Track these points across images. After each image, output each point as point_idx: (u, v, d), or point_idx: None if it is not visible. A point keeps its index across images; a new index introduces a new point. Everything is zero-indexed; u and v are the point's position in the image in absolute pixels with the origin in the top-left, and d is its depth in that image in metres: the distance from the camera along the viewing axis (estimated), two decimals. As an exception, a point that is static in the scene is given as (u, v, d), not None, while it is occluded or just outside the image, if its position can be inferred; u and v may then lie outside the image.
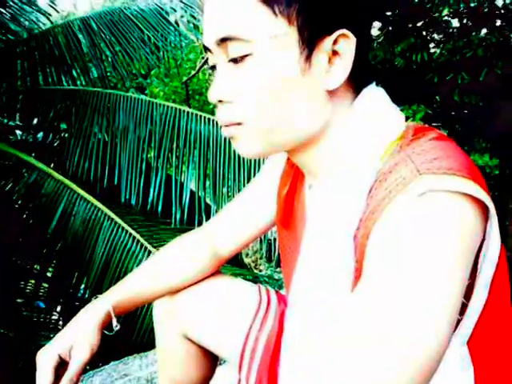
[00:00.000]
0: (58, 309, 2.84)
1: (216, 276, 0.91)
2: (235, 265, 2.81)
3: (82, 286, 2.66)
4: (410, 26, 3.20)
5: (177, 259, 0.89)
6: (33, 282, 2.75)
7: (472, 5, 3.08)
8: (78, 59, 3.25)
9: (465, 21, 3.27)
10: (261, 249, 2.95)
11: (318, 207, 0.62)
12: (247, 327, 0.83)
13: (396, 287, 0.44)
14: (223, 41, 0.54)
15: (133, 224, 2.56)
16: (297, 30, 0.53)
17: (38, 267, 2.78)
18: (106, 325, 0.80)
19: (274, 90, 0.54)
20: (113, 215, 2.54)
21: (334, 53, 0.54)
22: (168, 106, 2.96)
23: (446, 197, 0.46)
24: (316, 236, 0.62)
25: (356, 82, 0.58)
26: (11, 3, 3.29)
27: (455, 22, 3.37)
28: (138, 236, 2.50)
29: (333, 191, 0.58)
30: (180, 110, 2.94)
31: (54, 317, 2.80)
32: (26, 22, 3.41)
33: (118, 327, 0.80)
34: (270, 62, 0.54)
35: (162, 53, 3.37)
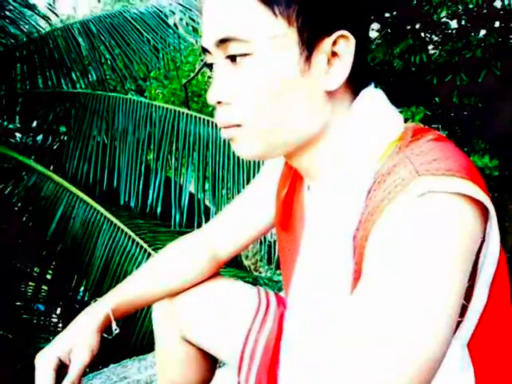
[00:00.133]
0: (58, 311, 2.84)
1: (215, 278, 0.91)
2: (235, 267, 2.81)
3: (82, 288, 2.65)
4: (409, 27, 3.21)
5: (176, 261, 0.88)
6: (32, 284, 2.75)
7: (471, 6, 3.08)
8: (78, 62, 3.25)
9: (463, 22, 3.27)
10: (260, 251, 2.95)
11: (316, 208, 0.62)
12: (246, 329, 0.82)
13: (395, 288, 0.43)
14: (222, 42, 0.54)
15: (132, 226, 2.56)
16: (296, 31, 0.53)
17: (38, 270, 2.77)
18: (106, 328, 0.80)
19: (273, 91, 0.54)
20: (112, 218, 2.54)
21: (334, 54, 0.55)
22: (167, 108, 2.96)
23: (446, 198, 0.46)
24: (315, 237, 0.62)
25: (355, 83, 0.58)
26: (11, 7, 3.30)
27: (454, 24, 3.37)
28: (137, 238, 2.50)
29: (332, 192, 0.58)
30: (179, 111, 2.95)
31: (53, 319, 2.80)
32: (26, 26, 3.41)
33: (118, 330, 0.80)
34: (270, 63, 0.54)
35: (161, 55, 3.38)
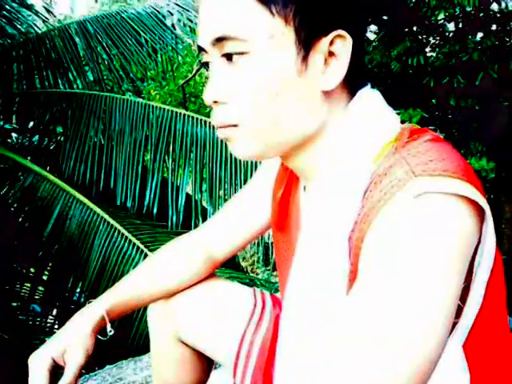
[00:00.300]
0: (54, 312, 2.83)
1: (211, 279, 0.90)
2: (232, 268, 2.81)
3: (78, 289, 2.64)
4: (406, 30, 3.22)
5: (171, 262, 0.88)
6: (28, 285, 2.73)
7: (468, 9, 3.09)
8: (75, 62, 3.24)
9: (460, 25, 3.29)
10: (257, 252, 2.95)
11: (312, 209, 0.62)
12: (242, 330, 0.82)
13: (392, 288, 0.43)
14: (219, 40, 0.54)
15: (129, 227, 2.55)
16: (293, 30, 0.53)
17: (34, 270, 2.76)
18: (100, 329, 0.79)
19: (269, 90, 0.54)
20: (109, 218, 2.53)
21: (331, 54, 0.54)
22: (164, 109, 2.95)
23: (442, 199, 0.46)
24: (311, 238, 0.62)
25: (351, 84, 0.58)
26: (8, 7, 3.29)
27: (451, 26, 3.39)
28: (134, 239, 2.49)
29: (328, 193, 0.58)
30: (176, 112, 2.94)
31: (49, 320, 2.79)
32: (23, 26, 3.40)
33: (113, 332, 0.79)
34: (267, 62, 0.53)
35: (158, 56, 3.37)
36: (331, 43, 0.54)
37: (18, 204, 2.79)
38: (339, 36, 0.54)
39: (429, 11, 3.05)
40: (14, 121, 3.40)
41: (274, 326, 0.82)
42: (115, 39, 3.22)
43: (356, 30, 0.55)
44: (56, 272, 2.70)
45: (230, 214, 0.88)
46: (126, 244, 2.49)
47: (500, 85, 3.00)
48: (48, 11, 3.61)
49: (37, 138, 3.27)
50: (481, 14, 3.21)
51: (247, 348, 0.80)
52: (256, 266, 5.93)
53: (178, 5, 3.38)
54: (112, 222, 2.53)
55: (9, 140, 3.35)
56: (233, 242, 0.88)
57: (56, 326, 2.71)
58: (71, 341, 0.76)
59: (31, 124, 3.33)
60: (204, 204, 2.92)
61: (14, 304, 2.71)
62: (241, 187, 2.69)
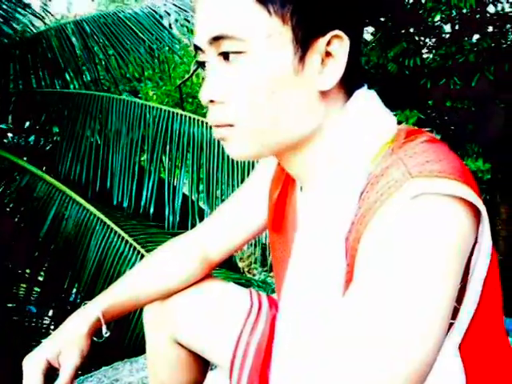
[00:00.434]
0: (50, 313, 2.82)
1: (207, 280, 0.90)
2: (229, 268, 2.80)
3: (74, 290, 2.64)
4: (403, 31, 3.23)
5: (167, 263, 0.88)
6: (24, 286, 2.72)
7: (464, 11, 3.10)
8: (71, 62, 3.23)
9: (457, 26, 3.30)
10: (254, 253, 2.95)
11: (309, 210, 0.62)
12: (238, 331, 0.82)
13: (389, 289, 0.43)
14: (216, 39, 0.54)
15: (125, 228, 2.55)
16: (291, 30, 0.53)
17: (30, 271, 2.75)
18: (96, 331, 0.79)
19: (266, 90, 0.54)
20: (105, 219, 2.53)
21: (328, 54, 0.54)
22: (161, 109, 2.95)
23: (439, 200, 0.46)
24: (307, 239, 0.62)
25: (348, 84, 0.58)
26: (4, 6, 3.28)
27: (448, 28, 3.40)
28: (130, 240, 2.49)
29: (324, 194, 0.58)
30: (173, 112, 2.94)
31: (45, 321, 2.78)
32: (20, 25, 3.39)
33: (108, 334, 0.79)
34: (264, 62, 0.53)
35: (155, 56, 3.37)
36: (328, 43, 0.54)
37: (14, 204, 2.78)
38: (336, 36, 0.54)
39: (425, 13, 3.06)
40: (9, 121, 3.39)
41: (271, 327, 0.82)
42: (112, 39, 3.21)
43: (353, 31, 0.55)
44: (52, 273, 2.69)
45: (226, 215, 0.88)
46: (123, 244, 2.48)
47: (496, 86, 3.01)
48: (45, 11, 3.59)
49: (33, 138, 3.26)
50: (477, 16, 3.22)
51: (243, 349, 0.80)
52: (253, 267, 5.92)
53: (175, 5, 3.38)
54: (108, 222, 2.52)
55: (5, 140, 3.34)
56: (229, 243, 0.88)
57: (52, 327, 2.71)
58: (66, 343, 0.75)
59: (27, 124, 3.32)
60: (201, 204, 2.91)
61: (10, 305, 2.70)
62: (238, 187, 2.68)
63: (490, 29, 3.34)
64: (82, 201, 2.58)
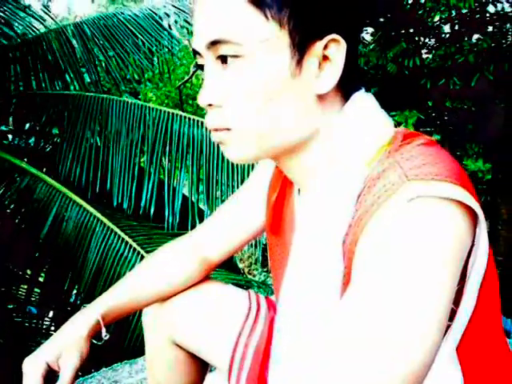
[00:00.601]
0: (51, 314, 2.82)
1: (206, 282, 0.90)
2: (228, 269, 2.80)
3: (75, 291, 2.64)
4: (403, 31, 3.23)
5: (166, 265, 0.88)
6: (25, 287, 2.73)
7: (464, 11, 3.10)
8: (71, 64, 3.24)
9: (456, 27, 3.30)
10: (254, 254, 2.95)
11: (307, 212, 0.62)
12: (236, 333, 0.82)
13: (386, 292, 0.44)
14: (214, 44, 0.54)
15: (125, 229, 2.55)
16: (288, 34, 0.53)
17: (30, 272, 2.76)
18: (96, 334, 0.79)
19: (264, 94, 0.54)
20: (105, 220, 2.53)
21: (325, 58, 0.55)
22: (161, 110, 2.95)
23: (435, 203, 0.46)
24: (305, 241, 0.62)
25: (345, 88, 0.58)
26: (4, 8, 3.28)
27: (447, 28, 3.40)
28: (130, 241, 2.49)
29: (322, 196, 0.58)
30: (173, 113, 2.94)
31: (46, 322, 2.78)
32: (20, 27, 3.40)
33: (108, 337, 0.79)
34: (261, 66, 0.54)
35: (155, 57, 3.37)
36: (325, 47, 0.54)
37: (15, 206, 2.78)
38: (333, 40, 0.54)
39: (425, 13, 3.06)
40: (10, 122, 3.39)
41: (269, 328, 0.82)
42: (112, 41, 3.22)
43: (350, 35, 0.56)
44: (52, 274, 2.69)
45: (225, 216, 0.88)
46: (123, 245, 2.49)
47: (496, 86, 3.01)
48: (45, 13, 3.60)
49: (33, 139, 3.26)
50: (477, 16, 3.22)
51: (242, 351, 0.80)
52: (253, 268, 5.92)
53: (174, 6, 3.38)
54: (108, 223, 2.53)
55: (5, 141, 3.34)
56: (228, 244, 0.88)
57: (52, 328, 2.71)
58: (66, 345, 0.75)
59: (27, 125, 3.32)
60: (201, 205, 2.91)
61: (10, 306, 2.70)
62: (238, 188, 2.68)
63: (490, 29, 3.34)
64: (82, 202, 2.58)
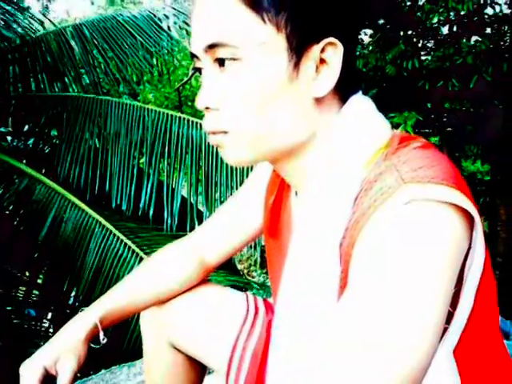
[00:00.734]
0: (49, 316, 2.82)
1: (204, 285, 0.90)
2: (228, 270, 2.80)
3: (73, 293, 2.63)
4: (401, 33, 3.24)
5: (164, 268, 0.88)
6: (23, 289, 2.72)
7: (462, 13, 3.11)
8: (70, 65, 3.24)
9: (455, 28, 3.31)
10: (253, 255, 2.94)
11: (304, 215, 0.62)
12: (234, 336, 0.82)
13: (383, 294, 0.44)
14: (211, 47, 0.54)
15: (124, 230, 2.55)
16: (285, 38, 0.53)
17: (29, 274, 2.75)
18: (93, 337, 0.79)
19: (261, 97, 0.54)
20: (104, 222, 2.53)
21: (322, 61, 0.55)
22: (160, 112, 2.95)
23: (432, 206, 0.46)
24: (302, 243, 0.62)
25: (343, 91, 0.58)
26: (4, 10, 3.28)
27: (445, 30, 3.41)
28: (129, 242, 2.49)
29: (319, 199, 0.58)
30: (172, 115, 2.94)
31: (44, 324, 2.77)
32: (19, 29, 3.40)
33: (105, 340, 0.79)
34: (258, 69, 0.54)
35: (154, 59, 3.37)
36: (322, 50, 0.54)
37: (13, 207, 2.78)
38: (330, 43, 0.54)
39: (423, 15, 3.06)
40: (9, 124, 3.39)
41: (267, 331, 0.82)
42: (111, 42, 3.22)
43: (347, 38, 0.56)
44: (51, 275, 2.69)
45: (223, 218, 0.88)
46: (122, 247, 2.48)
47: (494, 87, 3.02)
48: (44, 15, 3.60)
49: (32, 141, 3.26)
50: (475, 18, 3.23)
51: (240, 354, 0.80)
52: (252, 269, 5.92)
53: (173, 8, 3.39)
54: (107, 225, 2.52)
55: (4, 143, 3.34)
56: (227, 246, 0.88)
57: (51, 330, 2.70)
58: (63, 350, 0.75)
59: (26, 127, 3.32)
60: (200, 207, 2.91)
61: (9, 308, 2.69)
62: (237, 189, 2.68)
63: (488, 30, 3.34)
64: (81, 203, 2.58)
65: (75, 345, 0.76)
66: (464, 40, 3.19)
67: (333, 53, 0.54)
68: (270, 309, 0.88)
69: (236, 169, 2.74)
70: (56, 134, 3.19)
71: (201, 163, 2.81)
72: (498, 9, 3.45)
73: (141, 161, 3.04)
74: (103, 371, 1.54)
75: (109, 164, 2.88)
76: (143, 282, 0.87)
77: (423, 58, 3.34)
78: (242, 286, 2.53)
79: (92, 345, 0.79)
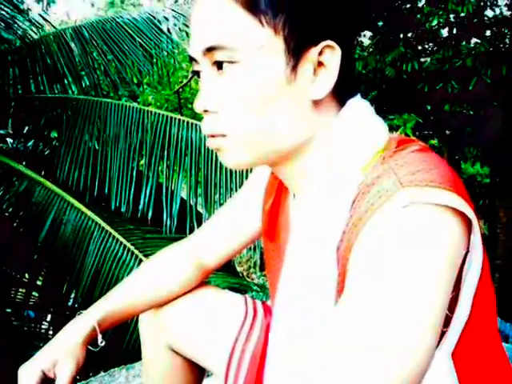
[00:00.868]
0: (48, 318, 2.81)
1: (202, 287, 0.90)
2: (228, 272, 2.80)
3: (73, 294, 2.63)
4: (401, 36, 3.24)
5: (163, 271, 0.88)
6: (23, 290, 2.72)
7: (462, 15, 3.12)
8: (70, 67, 3.24)
9: (454, 31, 3.31)
10: (253, 257, 2.94)
11: (302, 218, 0.62)
12: (233, 339, 0.82)
13: (381, 297, 0.44)
14: (209, 50, 0.55)
15: (124, 233, 2.54)
16: (283, 40, 0.53)
17: (28, 276, 2.75)
18: (92, 340, 0.79)
19: (259, 99, 0.54)
20: (103, 224, 2.53)
21: (320, 64, 0.55)
22: (159, 114, 2.95)
23: (429, 209, 0.46)
24: (300, 246, 0.62)
25: (341, 93, 0.58)
26: (3, 12, 3.29)
27: (445, 32, 3.41)
28: (128, 245, 2.48)
29: (317, 202, 0.58)
30: (171, 117, 2.94)
31: (44, 326, 2.77)
32: (19, 31, 3.40)
33: (104, 343, 0.79)
34: (256, 71, 0.54)
35: (154, 61, 3.37)
36: (320, 53, 0.54)
37: (13, 209, 2.78)
38: (328, 46, 0.54)
39: (423, 17, 3.07)
40: (9, 126, 3.39)
41: (265, 334, 0.82)
42: (111, 44, 3.22)
43: (345, 41, 0.56)
44: (50, 277, 2.68)
45: (222, 221, 0.88)
46: (121, 249, 2.48)
47: (494, 90, 3.02)
48: (43, 17, 3.60)
49: (32, 143, 3.26)
50: (474, 20, 3.24)
51: (238, 357, 0.80)
52: (252, 271, 5.92)
53: (173, 10, 3.39)
54: (106, 227, 2.52)
55: (3, 145, 3.34)
56: (225, 248, 0.88)
57: (50, 332, 2.70)
58: (61, 353, 0.75)
59: (26, 129, 3.32)
60: (199, 209, 2.91)
61: (9, 310, 2.69)
62: (236, 191, 2.67)
63: (488, 33, 3.35)
64: (81, 206, 2.57)
65: (73, 348, 0.76)
66: (463, 42, 3.19)
67: (330, 55, 0.54)
68: (268, 311, 0.87)
69: (235, 171, 2.74)
70: (56, 135, 3.19)
71: (200, 165, 2.81)
72: (497, 11, 3.46)
73: (140, 163, 3.03)
74: (102, 373, 1.54)
75: (108, 166, 2.88)
76: (142, 284, 0.87)
77: (423, 60, 3.34)
78: (242, 288, 2.52)
79: (90, 348, 0.78)
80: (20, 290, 2.75)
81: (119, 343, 2.31)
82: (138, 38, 3.24)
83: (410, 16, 3.14)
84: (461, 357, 0.54)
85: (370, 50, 3.40)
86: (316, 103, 0.57)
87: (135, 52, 3.23)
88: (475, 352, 0.56)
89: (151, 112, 2.97)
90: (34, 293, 2.72)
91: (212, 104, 0.57)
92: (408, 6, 3.20)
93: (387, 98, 3.17)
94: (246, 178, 2.69)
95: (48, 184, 2.64)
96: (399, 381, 0.41)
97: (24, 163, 2.91)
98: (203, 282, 0.91)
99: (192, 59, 0.59)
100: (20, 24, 3.39)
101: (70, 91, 3.32)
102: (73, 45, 3.26)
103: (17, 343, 2.42)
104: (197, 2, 0.57)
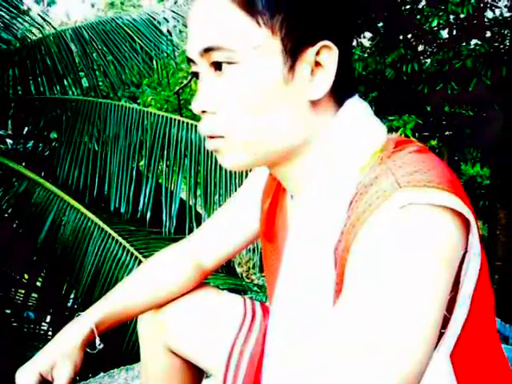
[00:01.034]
0: (48, 319, 2.81)
1: (201, 288, 0.90)
2: (227, 273, 2.80)
3: (72, 295, 2.63)
4: (401, 37, 3.24)
5: (162, 272, 0.88)
6: (22, 291, 2.72)
7: (462, 16, 3.12)
8: (70, 68, 3.24)
9: (454, 32, 3.32)
10: (253, 258, 2.94)
11: (299, 218, 0.62)
12: (232, 340, 0.82)
13: (380, 297, 0.44)
14: (207, 51, 0.55)
15: (123, 233, 2.54)
16: (280, 41, 0.53)
17: (28, 277, 2.75)
18: (90, 343, 0.79)
19: (257, 100, 0.54)
20: (103, 224, 2.53)
21: (317, 64, 0.55)
22: (159, 115, 2.95)
23: (427, 210, 0.46)
24: (298, 246, 0.62)
25: (339, 94, 0.58)
26: (3, 13, 3.29)
27: (445, 33, 3.42)
28: (128, 245, 2.48)
29: (314, 203, 0.58)
30: (171, 118, 2.94)
31: (43, 327, 2.77)
32: (19, 31, 3.40)
33: (102, 346, 0.79)
34: (254, 72, 0.54)
35: (154, 62, 3.38)
36: (318, 53, 0.54)
37: (12, 210, 2.78)
38: (325, 46, 0.54)
39: (423, 18, 3.07)
40: (8, 126, 3.39)
41: (264, 335, 0.82)
42: (110, 45, 3.22)
43: (342, 41, 0.56)
44: (50, 278, 2.69)
45: (220, 221, 0.88)
46: (120, 250, 2.48)
47: (493, 91, 3.02)
48: (43, 18, 3.60)
49: (31, 143, 3.26)
50: (474, 21, 3.24)
51: (237, 358, 0.80)
52: (251, 272, 5.92)
53: (173, 11, 3.39)
54: (106, 228, 2.52)
55: (3, 146, 3.34)
56: (224, 249, 0.88)
57: (50, 333, 2.70)
58: (59, 355, 0.75)
59: (26, 130, 3.32)
60: (198, 209, 2.91)
61: (8, 311, 2.69)
62: (236, 191, 2.67)
63: (488, 34, 3.35)
64: (80, 206, 2.57)
65: (71, 350, 0.76)
66: (464, 43, 3.20)
67: (328, 56, 0.54)
68: (267, 312, 0.87)
69: (235, 171, 2.74)
70: (55, 136, 3.19)
71: (200, 166, 2.81)
72: (497, 12, 3.46)
73: (140, 164, 3.03)
74: (101, 374, 1.53)
75: (108, 167, 2.88)
76: (140, 285, 0.86)
77: (423, 61, 3.34)
78: (241, 288, 2.52)
79: (88, 350, 0.78)
80: (19, 290, 2.75)
81: (119, 344, 2.30)
82: (137, 39, 3.24)
83: (410, 17, 3.14)
84: (459, 358, 0.54)
85: (370, 51, 3.40)
86: (314, 103, 0.56)
87: (135, 53, 3.24)
88: (474, 353, 0.56)
89: (151, 113, 2.97)
90: (33, 294, 2.73)
91: (210, 105, 0.57)
92: (408, 7, 3.20)
93: (387, 99, 3.18)
94: (246, 178, 2.68)
95: (48, 185, 2.64)
96: (399, 381, 0.41)
97: (24, 164, 2.91)
98: (202, 283, 0.91)
99: (190, 60, 0.59)
100: (20, 25, 3.39)
101: (69, 92, 3.32)
102: (73, 46, 3.26)
103: (16, 344, 2.42)
104: (194, 3, 0.57)
